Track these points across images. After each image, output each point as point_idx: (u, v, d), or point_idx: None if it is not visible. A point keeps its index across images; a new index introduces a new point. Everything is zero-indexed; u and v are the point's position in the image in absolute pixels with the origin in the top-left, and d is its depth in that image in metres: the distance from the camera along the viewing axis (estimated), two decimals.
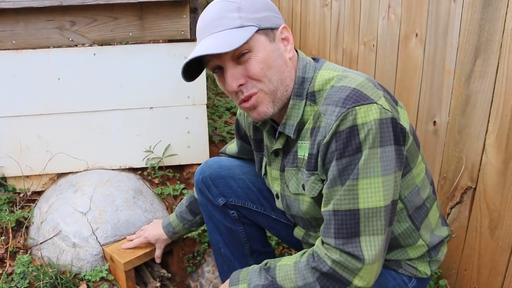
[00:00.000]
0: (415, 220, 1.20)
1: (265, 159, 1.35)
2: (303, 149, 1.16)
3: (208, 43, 1.06)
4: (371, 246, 1.05)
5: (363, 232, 1.05)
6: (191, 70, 1.15)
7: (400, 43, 1.82)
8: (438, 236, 1.26)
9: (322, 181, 1.12)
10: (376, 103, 1.03)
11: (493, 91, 1.36)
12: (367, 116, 1.01)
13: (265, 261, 1.22)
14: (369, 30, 2.08)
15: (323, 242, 1.11)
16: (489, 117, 1.38)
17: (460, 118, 1.51)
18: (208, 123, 2.27)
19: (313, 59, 1.21)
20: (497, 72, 1.33)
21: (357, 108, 1.01)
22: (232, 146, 1.62)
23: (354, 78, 1.08)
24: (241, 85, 1.09)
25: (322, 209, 1.10)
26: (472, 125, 1.46)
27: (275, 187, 1.32)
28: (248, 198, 1.51)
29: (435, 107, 1.63)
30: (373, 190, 1.03)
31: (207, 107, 2.30)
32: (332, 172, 1.06)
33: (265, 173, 1.37)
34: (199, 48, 1.07)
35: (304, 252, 1.15)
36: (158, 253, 1.78)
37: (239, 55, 1.07)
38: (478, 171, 1.46)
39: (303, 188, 1.19)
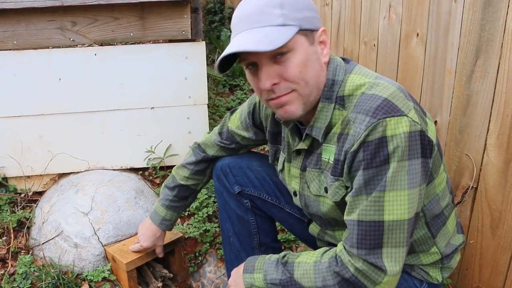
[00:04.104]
0: (431, 227, 1.20)
1: (283, 155, 1.34)
2: (328, 153, 1.15)
3: (248, 38, 1.03)
4: (393, 258, 1.05)
5: (386, 244, 1.05)
6: (222, 62, 1.10)
7: (401, 42, 1.82)
8: (452, 245, 1.26)
9: (346, 187, 1.12)
10: (406, 115, 1.02)
11: (494, 91, 1.36)
12: (397, 128, 1.00)
13: (283, 253, 1.22)
14: (370, 30, 2.08)
15: (345, 247, 1.11)
16: (490, 117, 1.39)
17: (461, 118, 1.51)
18: (209, 123, 2.28)
19: (343, 59, 1.18)
20: (498, 72, 1.34)
21: (387, 119, 1.00)
22: (246, 133, 1.50)
23: (386, 87, 1.07)
24: (274, 84, 1.07)
25: (346, 217, 1.10)
26: (473, 125, 1.46)
27: (293, 185, 1.31)
28: (264, 190, 1.52)
29: (436, 106, 1.64)
30: (399, 203, 1.03)
31: (208, 107, 2.30)
32: (358, 181, 1.05)
33: (282, 169, 1.36)
34: (239, 42, 1.04)
35: (325, 251, 1.15)
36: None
37: (277, 54, 1.05)
38: (479, 170, 1.46)
39: (325, 191, 1.18)
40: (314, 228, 1.40)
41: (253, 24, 1.04)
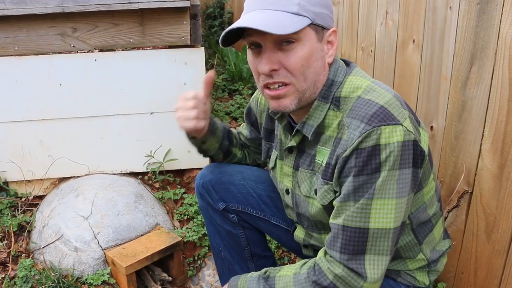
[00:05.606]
0: (418, 234, 1.21)
1: (276, 152, 1.34)
2: (323, 155, 1.15)
3: (259, 17, 1.02)
4: (375, 265, 1.06)
5: (369, 251, 1.05)
6: (228, 36, 1.09)
7: (398, 49, 1.84)
8: (439, 251, 1.27)
9: (335, 192, 1.13)
10: (401, 124, 1.02)
11: (489, 97, 1.38)
12: (391, 137, 1.01)
13: (264, 269, 1.22)
14: (367, 36, 2.10)
15: (325, 254, 1.11)
16: (484, 123, 1.40)
17: (456, 123, 1.53)
18: None
19: (344, 61, 1.19)
20: (492, 78, 1.35)
21: (382, 127, 1.01)
22: (245, 131, 1.55)
23: (382, 93, 1.07)
24: (273, 70, 1.06)
25: (331, 221, 1.10)
26: (469, 131, 1.48)
27: (286, 183, 1.31)
28: (248, 203, 1.52)
29: (432, 112, 1.66)
30: (385, 212, 1.03)
31: None
32: (347, 187, 1.06)
33: (274, 166, 1.36)
34: (249, 19, 1.02)
35: (305, 263, 1.15)
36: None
37: (283, 41, 1.04)
38: (474, 175, 1.48)
39: (315, 193, 1.19)
40: (299, 235, 1.39)
41: (269, 5, 1.04)
